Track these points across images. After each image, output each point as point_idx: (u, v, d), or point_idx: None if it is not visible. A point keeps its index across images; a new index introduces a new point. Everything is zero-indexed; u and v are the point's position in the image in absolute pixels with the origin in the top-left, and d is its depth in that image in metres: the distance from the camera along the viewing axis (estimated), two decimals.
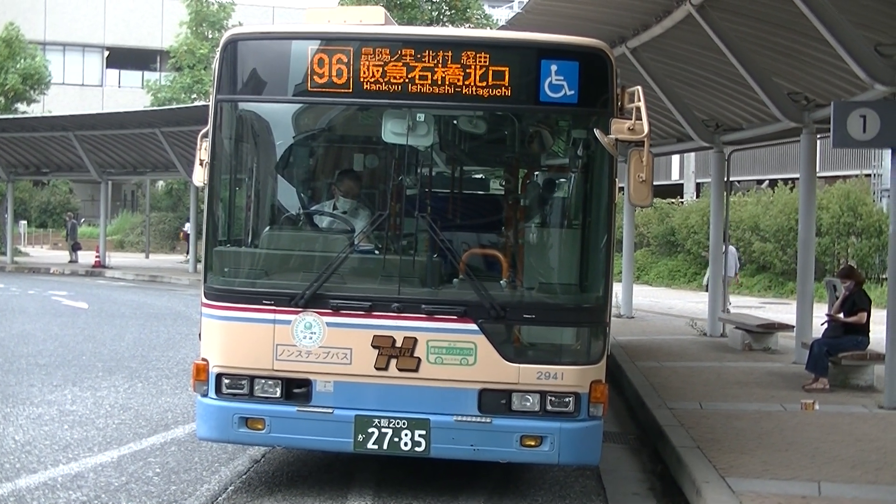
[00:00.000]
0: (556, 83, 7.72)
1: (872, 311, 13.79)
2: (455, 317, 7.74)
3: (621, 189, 10.85)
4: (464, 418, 7.76)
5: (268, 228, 8.63)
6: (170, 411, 11.65)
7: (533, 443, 7.74)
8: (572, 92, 7.73)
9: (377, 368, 7.76)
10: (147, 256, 49.59)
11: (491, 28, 36.21)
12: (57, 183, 58.82)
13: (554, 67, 7.72)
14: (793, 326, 16.67)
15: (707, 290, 24.19)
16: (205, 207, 8.39)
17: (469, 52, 7.74)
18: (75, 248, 44.06)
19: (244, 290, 8.06)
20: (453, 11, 40.09)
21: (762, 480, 8.50)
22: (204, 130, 8.34)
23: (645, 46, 16.15)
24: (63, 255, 45.74)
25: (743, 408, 11.89)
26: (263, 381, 7.92)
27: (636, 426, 11.89)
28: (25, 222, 56.65)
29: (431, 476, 8.80)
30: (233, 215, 8.68)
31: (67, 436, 10.27)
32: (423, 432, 7.74)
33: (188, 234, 48.85)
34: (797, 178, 21.91)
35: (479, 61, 7.72)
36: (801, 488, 8.30)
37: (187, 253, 49.41)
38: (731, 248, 24.61)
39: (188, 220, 49.93)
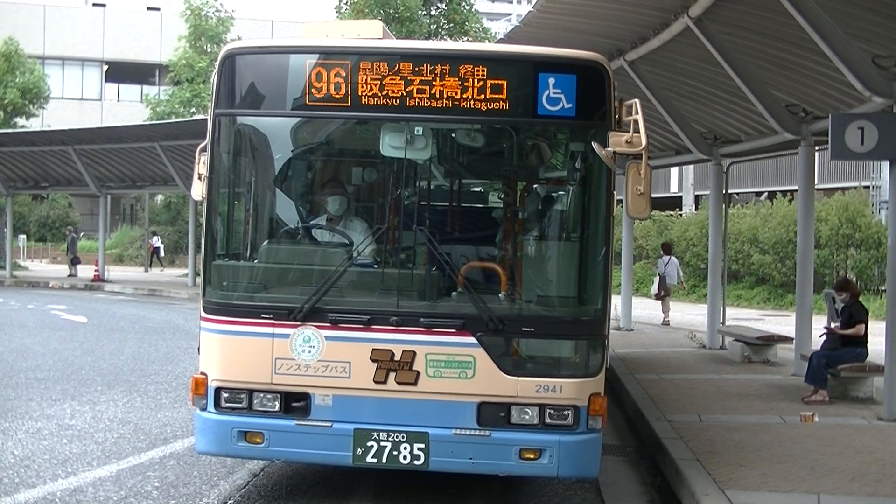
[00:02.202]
0: (554, 96, 7.73)
1: (872, 322, 13.79)
2: (454, 330, 7.73)
3: (619, 202, 10.85)
4: (462, 431, 7.75)
5: (266, 242, 8.63)
6: (169, 425, 11.64)
7: (532, 456, 7.73)
8: (570, 105, 7.74)
9: (376, 382, 7.76)
10: (146, 270, 49.59)
11: (489, 41, 36.29)
12: (56, 197, 58.90)
13: (552, 81, 7.73)
14: (792, 338, 16.67)
15: (655, 298, 26.01)
16: (203, 221, 8.40)
17: (467, 66, 7.75)
18: (75, 261, 44.07)
19: (243, 303, 8.05)
20: (451, 25, 40.19)
21: (761, 493, 8.49)
22: (202, 144, 8.34)
23: (643, 59, 16.19)
24: (62, 269, 45.72)
25: (742, 420, 11.88)
26: (262, 394, 7.91)
27: (635, 439, 11.88)
28: (24, 236, 56.67)
29: (430, 490, 8.79)
30: (231, 229, 8.68)
31: (66, 450, 10.26)
32: (422, 446, 7.73)
33: (156, 248, 49.55)
34: (796, 190, 21.94)
35: (477, 75, 7.73)
36: (800, 500, 8.30)
37: (151, 265, 49.82)
38: (674, 259, 26.72)
39: (154, 234, 50.59)
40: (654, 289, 26.50)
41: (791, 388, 14.30)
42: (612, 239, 8.14)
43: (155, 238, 51.67)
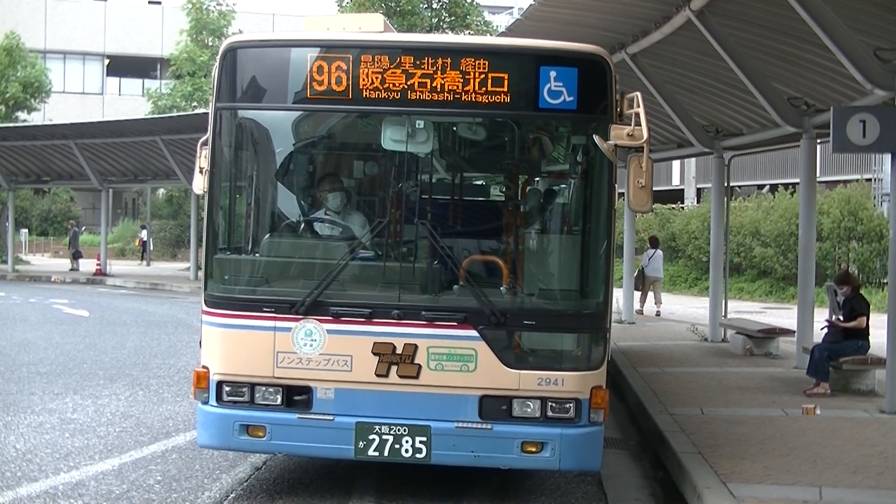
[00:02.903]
0: (556, 89, 7.72)
1: (874, 315, 13.78)
2: (455, 323, 7.74)
3: (621, 195, 10.84)
4: (464, 425, 7.75)
5: (268, 236, 8.63)
6: (171, 419, 11.65)
7: (534, 449, 7.74)
8: (571, 98, 7.74)
9: (378, 375, 7.76)
10: (148, 264, 49.60)
11: (490, 35, 36.24)
12: (58, 191, 58.95)
13: (553, 74, 7.73)
14: (794, 331, 16.64)
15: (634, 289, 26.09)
16: (205, 215, 8.40)
17: (468, 59, 7.75)
18: (77, 256, 44.07)
19: (244, 297, 8.06)
20: (453, 18, 40.10)
21: (763, 486, 8.50)
22: (204, 138, 8.34)
23: (644, 52, 16.17)
24: (64, 263, 45.70)
25: (744, 413, 11.88)
26: (264, 388, 7.92)
27: (637, 432, 11.88)
28: (26, 231, 56.71)
29: (432, 483, 8.80)
30: (233, 223, 8.69)
31: (68, 444, 10.27)
32: (424, 439, 7.74)
33: (144, 242, 49.64)
34: (797, 183, 21.91)
35: (479, 68, 7.73)
36: (802, 493, 8.29)
37: (141, 259, 49.86)
38: (659, 252, 27.08)
39: (144, 228, 50.59)
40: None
41: (793, 380, 14.30)
42: (613, 232, 8.14)
43: (144, 231, 51.72)
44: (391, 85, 7.79)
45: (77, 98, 63.72)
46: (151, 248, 51.80)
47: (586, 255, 8.11)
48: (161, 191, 56.95)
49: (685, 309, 27.08)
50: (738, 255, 32.49)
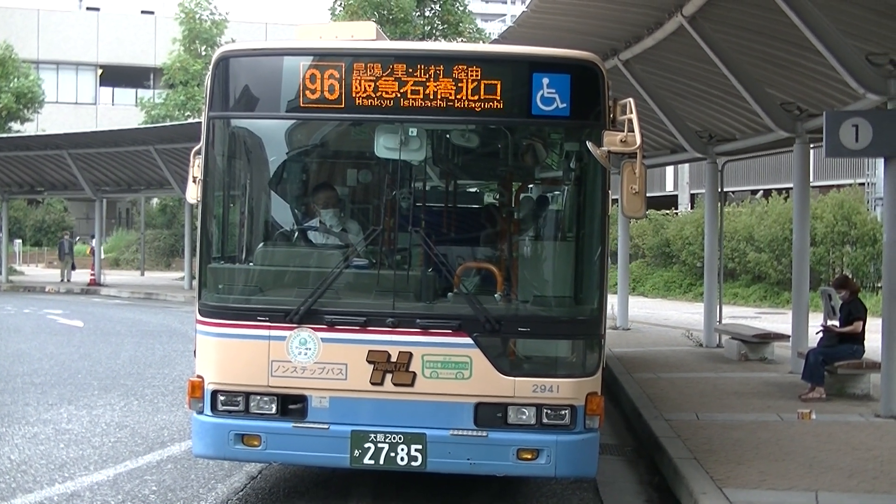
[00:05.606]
0: (548, 96, 7.72)
1: (869, 319, 13.80)
2: (450, 331, 7.72)
3: (615, 201, 10.85)
4: (460, 432, 7.74)
5: (261, 245, 8.61)
6: (166, 429, 11.63)
7: (529, 456, 7.72)
8: (564, 105, 7.73)
9: (373, 383, 7.75)
10: (142, 274, 49.57)
11: (483, 42, 36.29)
12: (51, 201, 58.94)
13: (546, 80, 7.72)
14: (788, 336, 16.66)
15: None
16: (199, 224, 8.39)
17: (461, 66, 7.74)
18: (72, 266, 43.95)
19: (239, 306, 8.04)
20: (445, 26, 40.19)
21: (759, 491, 8.50)
22: (197, 147, 8.32)
23: (637, 58, 16.20)
24: (58, 274, 45.51)
25: (739, 418, 11.89)
26: (259, 397, 7.89)
27: (633, 438, 11.88)
28: (20, 241, 56.63)
29: (428, 490, 8.79)
30: (226, 232, 8.66)
31: (63, 455, 10.25)
32: (420, 447, 7.72)
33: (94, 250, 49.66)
34: (791, 188, 21.96)
35: (471, 75, 7.71)
36: (798, 498, 8.30)
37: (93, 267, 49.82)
38: None
39: (92, 236, 50.32)
40: None
41: (788, 385, 14.31)
42: (607, 238, 8.13)
43: (93, 241, 51.61)
44: (384, 93, 7.78)
45: (70, 108, 63.76)
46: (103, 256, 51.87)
47: (580, 262, 8.11)
48: (155, 200, 57.00)
49: (680, 314, 27.10)
50: (733, 260, 32.54)
